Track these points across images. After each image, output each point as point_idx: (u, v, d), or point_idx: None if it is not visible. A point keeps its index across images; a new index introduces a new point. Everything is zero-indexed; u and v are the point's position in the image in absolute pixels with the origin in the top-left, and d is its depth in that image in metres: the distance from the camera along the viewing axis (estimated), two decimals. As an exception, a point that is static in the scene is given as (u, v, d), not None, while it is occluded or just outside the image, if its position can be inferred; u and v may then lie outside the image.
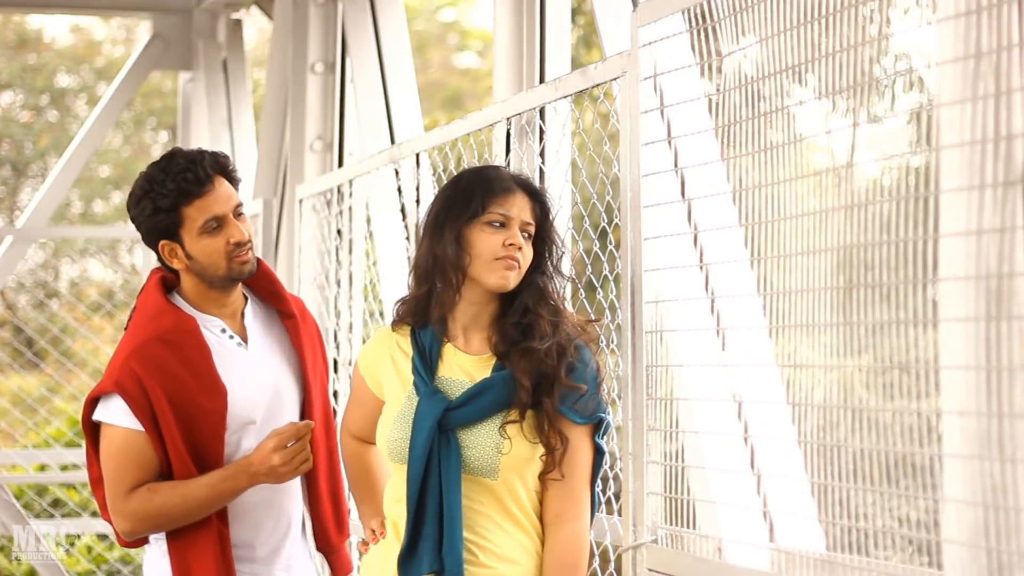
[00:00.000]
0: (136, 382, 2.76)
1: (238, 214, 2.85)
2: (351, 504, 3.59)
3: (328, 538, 3.04)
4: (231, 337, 2.90)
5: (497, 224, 2.49)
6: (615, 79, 2.71)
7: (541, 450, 2.49)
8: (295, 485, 2.99)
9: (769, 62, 2.29)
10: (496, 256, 2.48)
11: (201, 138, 7.72)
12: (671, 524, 2.55)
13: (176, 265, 2.87)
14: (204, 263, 2.83)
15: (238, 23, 7.57)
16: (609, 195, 2.83)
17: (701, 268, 2.63)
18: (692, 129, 2.58)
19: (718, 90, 2.45)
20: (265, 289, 2.98)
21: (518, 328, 2.52)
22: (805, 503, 2.34)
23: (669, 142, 2.61)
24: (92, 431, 2.85)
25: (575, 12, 10.28)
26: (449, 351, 2.56)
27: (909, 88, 2.04)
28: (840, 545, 2.14)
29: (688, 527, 2.52)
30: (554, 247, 2.57)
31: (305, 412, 2.98)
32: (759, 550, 2.39)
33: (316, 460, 2.95)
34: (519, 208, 2.51)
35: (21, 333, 11.63)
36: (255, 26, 12.45)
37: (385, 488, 2.66)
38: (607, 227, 2.86)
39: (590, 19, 7.41)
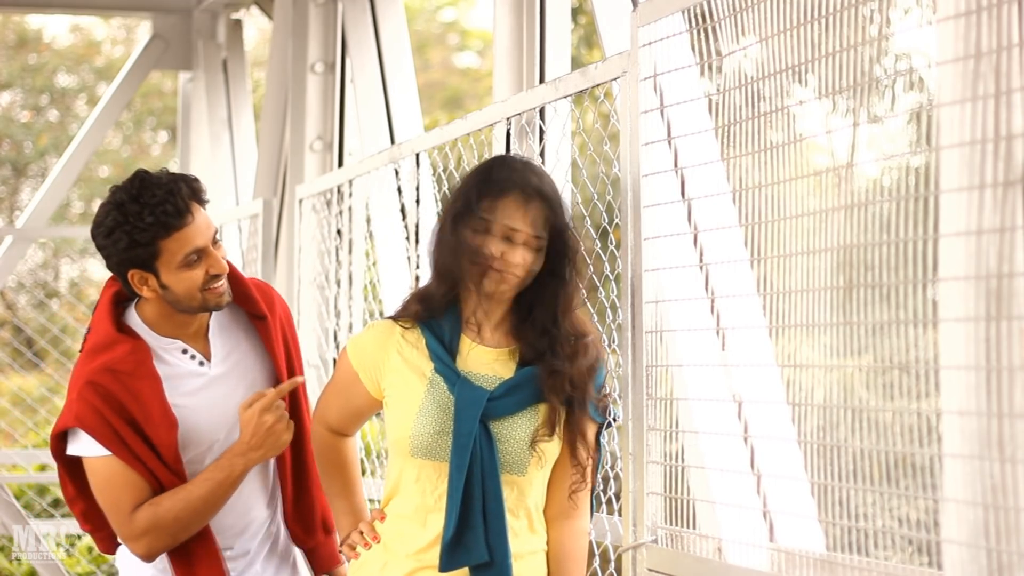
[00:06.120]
0: (95, 413, 2.70)
1: (215, 242, 2.75)
2: None
3: (301, 536, 2.99)
4: (192, 357, 2.82)
5: (482, 229, 2.45)
6: (615, 79, 2.71)
7: (560, 443, 2.51)
8: (261, 487, 2.93)
9: (769, 62, 2.29)
10: (475, 262, 2.44)
11: (201, 138, 7.72)
12: (671, 524, 2.55)
13: (146, 294, 2.75)
14: (179, 295, 2.74)
15: (238, 23, 7.57)
16: (609, 195, 2.83)
17: (701, 268, 2.63)
18: (692, 129, 2.58)
19: (718, 90, 2.44)
20: (235, 292, 2.86)
21: (544, 340, 2.49)
22: (805, 503, 2.34)
23: (669, 142, 2.61)
24: (63, 456, 2.78)
25: (575, 12, 10.28)
26: (465, 343, 2.53)
27: (909, 88, 2.04)
28: (840, 545, 2.14)
29: (688, 527, 2.52)
30: (568, 251, 2.50)
31: None
32: (759, 550, 2.39)
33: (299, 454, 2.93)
34: (508, 214, 2.44)
35: (21, 333, 11.63)
36: (255, 26, 12.45)
37: (385, 483, 2.60)
38: (607, 227, 2.85)
39: (590, 19, 7.41)
